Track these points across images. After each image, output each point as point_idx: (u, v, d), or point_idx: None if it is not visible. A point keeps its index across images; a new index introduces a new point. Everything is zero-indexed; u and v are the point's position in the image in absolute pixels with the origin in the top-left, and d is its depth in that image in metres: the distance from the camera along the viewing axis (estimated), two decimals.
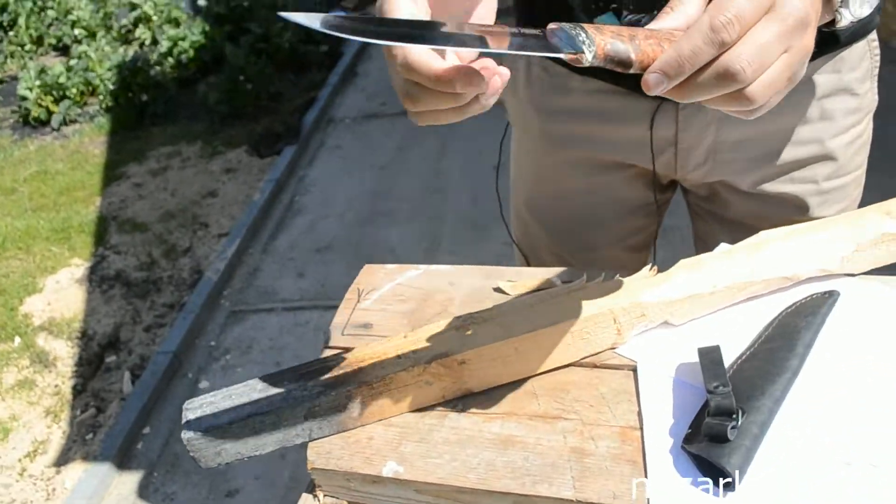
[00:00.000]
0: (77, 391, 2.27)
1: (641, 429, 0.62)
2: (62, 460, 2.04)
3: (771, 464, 0.56)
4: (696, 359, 0.65)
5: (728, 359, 0.65)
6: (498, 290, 0.82)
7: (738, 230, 0.88)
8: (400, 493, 0.66)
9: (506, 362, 0.69)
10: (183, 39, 4.65)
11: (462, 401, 0.70)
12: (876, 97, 0.93)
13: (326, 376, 0.69)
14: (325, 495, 0.70)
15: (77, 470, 2.01)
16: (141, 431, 2.14)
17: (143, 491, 1.97)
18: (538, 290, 0.81)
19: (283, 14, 0.44)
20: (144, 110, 4.13)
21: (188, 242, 3.04)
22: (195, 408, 0.70)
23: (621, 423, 0.64)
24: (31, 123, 4.17)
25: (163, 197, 3.39)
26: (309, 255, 2.95)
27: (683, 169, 0.90)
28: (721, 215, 0.95)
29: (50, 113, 4.12)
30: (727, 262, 0.72)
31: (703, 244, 1.00)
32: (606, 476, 0.60)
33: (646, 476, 0.58)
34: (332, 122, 4.08)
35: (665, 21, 0.50)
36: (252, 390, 0.70)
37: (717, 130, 0.86)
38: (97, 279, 2.79)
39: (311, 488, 0.72)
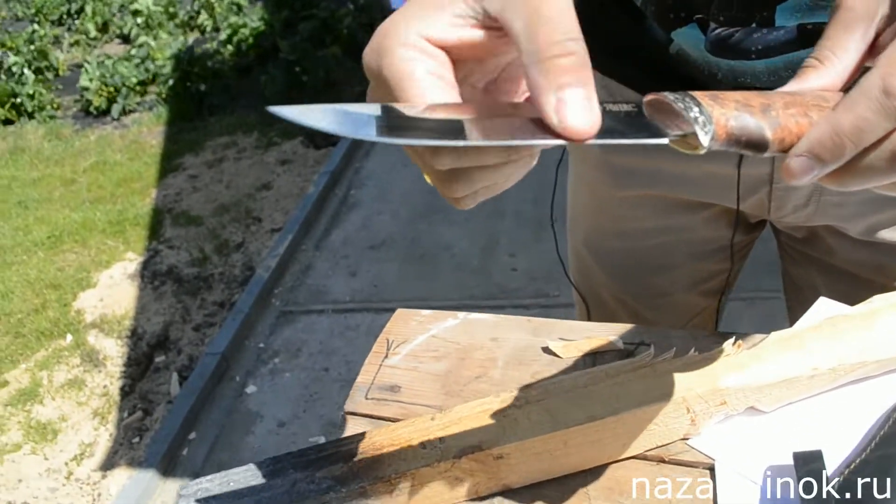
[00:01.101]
0: (125, 392, 2.24)
1: None
2: (108, 465, 2.01)
3: None
4: (789, 459, 0.52)
5: (832, 463, 0.52)
6: (547, 350, 0.70)
7: (841, 280, 0.73)
8: None
9: (553, 456, 0.57)
10: (243, 27, 4.61)
11: (500, 498, 0.58)
12: None
13: (338, 467, 0.58)
14: None
15: (122, 475, 1.98)
16: (187, 437, 2.10)
17: None
18: (594, 352, 0.69)
19: (274, 109, 0.33)
20: (202, 100, 4.11)
21: (241, 237, 3.00)
22: (189, 495, 0.61)
23: None
24: (91, 113, 4.20)
25: (217, 189, 3.36)
26: (362, 252, 2.87)
27: (780, 210, 0.75)
28: (822, 261, 0.80)
29: (110, 103, 4.14)
30: (831, 335, 0.59)
31: (795, 288, 0.85)
32: None
33: None
34: None
35: (809, 80, 0.37)
36: (253, 476, 0.60)
37: None
38: (149, 275, 2.77)
39: None
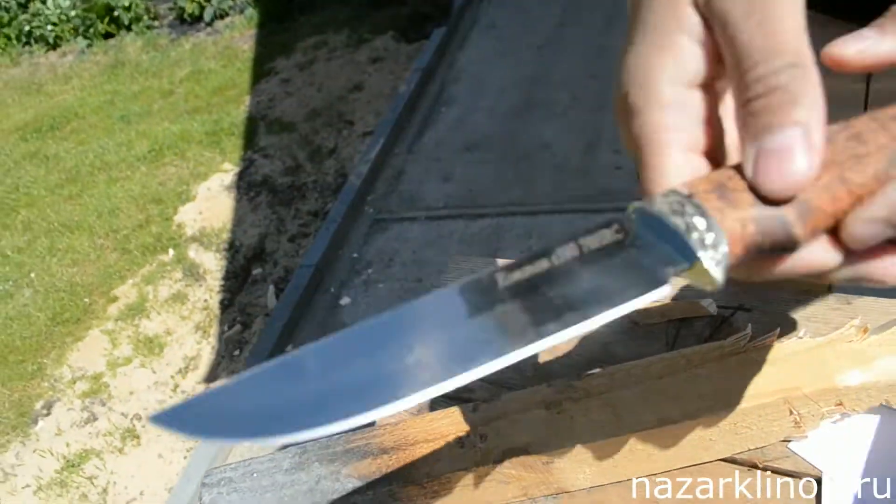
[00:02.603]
0: (224, 306, 2.29)
1: None
2: (211, 377, 2.08)
3: None
4: None
5: None
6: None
7: None
8: None
9: (615, 462, 0.47)
10: None
11: (554, 499, 0.49)
12: None
13: (365, 464, 0.51)
14: None
15: None
16: (284, 349, 2.13)
17: None
18: (682, 319, 0.57)
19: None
20: None
21: (333, 142, 2.94)
22: (212, 485, 0.55)
23: None
24: (186, 21, 4.18)
25: (309, 93, 3.30)
26: (457, 154, 2.75)
27: None
28: None
29: (202, 7, 4.10)
30: None
31: None
32: None
33: None
34: None
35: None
36: (277, 469, 0.54)
37: None
38: (245, 185, 2.78)
39: None
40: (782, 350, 0.46)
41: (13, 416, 2.16)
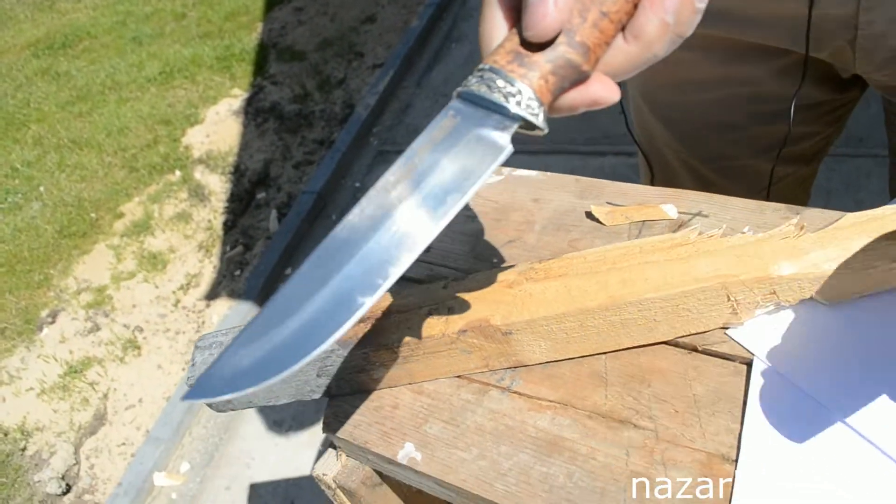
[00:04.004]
0: (228, 227, 2.34)
1: (736, 464, 0.44)
2: (212, 294, 2.14)
3: None
4: (848, 367, 0.45)
5: None
6: (590, 215, 0.63)
7: None
8: (419, 479, 0.54)
9: (568, 337, 0.52)
10: None
11: (511, 373, 0.54)
12: None
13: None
14: (346, 455, 0.60)
15: (224, 305, 2.10)
16: (283, 272, 2.18)
17: None
18: (642, 222, 0.61)
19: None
20: None
21: (343, 73, 2.95)
22: (204, 347, 0.60)
23: (710, 448, 0.46)
24: None
25: (322, 23, 3.29)
26: None
27: (867, 64, 0.61)
28: None
29: None
30: None
31: None
32: None
33: None
34: None
35: None
36: None
37: None
38: (253, 111, 2.80)
39: (334, 445, 0.61)
40: (725, 243, 0.50)
41: (19, 322, 2.23)
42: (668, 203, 0.61)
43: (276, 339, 0.34)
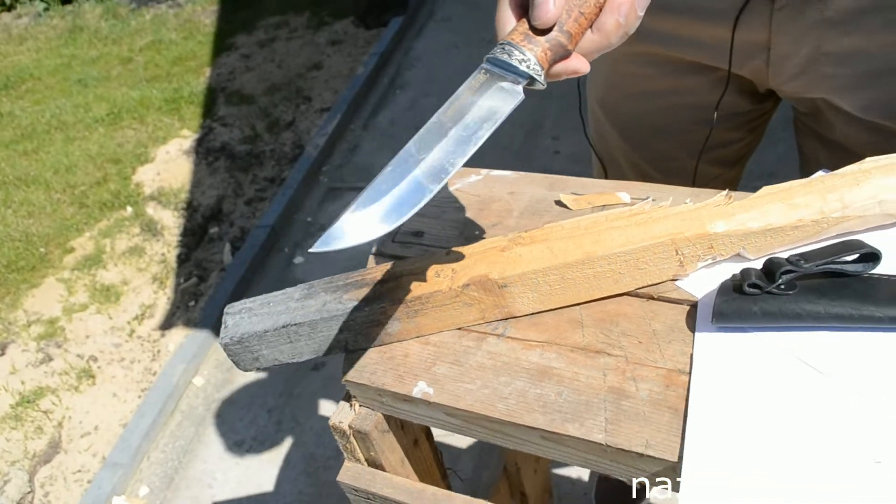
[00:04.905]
0: (181, 260, 2.39)
1: (690, 374, 0.57)
2: (166, 325, 2.18)
3: (797, 461, 0.50)
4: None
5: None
6: (559, 202, 0.76)
7: (844, 156, 0.76)
8: (430, 413, 0.64)
9: (552, 289, 0.64)
10: None
11: (503, 323, 0.66)
12: None
13: (362, 291, 0.66)
14: (359, 405, 0.69)
15: (179, 335, 2.14)
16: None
17: None
18: (603, 205, 0.74)
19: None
20: None
21: (291, 116, 3.06)
22: (234, 313, 0.69)
23: (669, 366, 0.58)
24: None
25: (269, 69, 3.41)
26: (410, 133, 2.84)
27: (778, 78, 0.78)
28: (825, 137, 0.83)
29: None
30: (819, 191, 0.63)
31: (805, 162, 0.88)
32: (642, 422, 0.55)
33: (684, 429, 0.53)
34: None
35: None
36: (289, 299, 0.69)
37: (818, 38, 0.72)
38: (203, 151, 2.87)
39: (348, 397, 0.71)
40: (672, 211, 0.64)
41: None
42: (623, 191, 0.75)
43: (395, 193, 0.47)
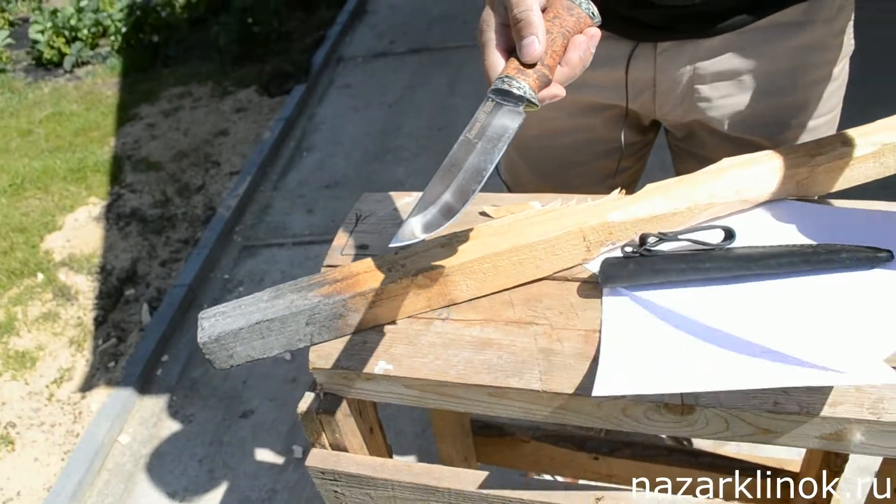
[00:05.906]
0: (98, 322, 2.38)
1: (600, 333, 0.70)
2: (87, 386, 2.16)
3: (692, 353, 0.64)
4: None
5: None
6: (483, 213, 0.90)
7: None
8: (390, 389, 0.75)
9: (486, 276, 0.77)
10: None
11: (447, 309, 0.78)
12: (852, 42, 0.95)
13: (325, 288, 0.77)
14: (325, 392, 0.79)
15: (101, 395, 2.13)
16: (160, 359, 2.26)
17: (163, 413, 2.09)
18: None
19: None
20: (156, 52, 4.16)
21: (201, 180, 3.12)
22: (209, 316, 0.78)
23: (586, 327, 0.72)
24: (44, 65, 4.21)
25: (175, 137, 3.46)
26: (318, 191, 3.02)
27: (663, 108, 0.96)
28: (698, 154, 1.01)
29: (62, 55, 4.16)
30: (689, 186, 0.79)
31: None
32: (569, 371, 0.68)
33: (597, 353, 0.66)
34: (341, 61, 4.10)
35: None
36: (259, 301, 0.78)
37: (693, 68, 0.91)
38: (114, 217, 2.88)
39: (313, 387, 0.81)
40: (579, 207, 0.78)
41: None
42: (535, 201, 0.90)
43: (444, 199, 0.60)
